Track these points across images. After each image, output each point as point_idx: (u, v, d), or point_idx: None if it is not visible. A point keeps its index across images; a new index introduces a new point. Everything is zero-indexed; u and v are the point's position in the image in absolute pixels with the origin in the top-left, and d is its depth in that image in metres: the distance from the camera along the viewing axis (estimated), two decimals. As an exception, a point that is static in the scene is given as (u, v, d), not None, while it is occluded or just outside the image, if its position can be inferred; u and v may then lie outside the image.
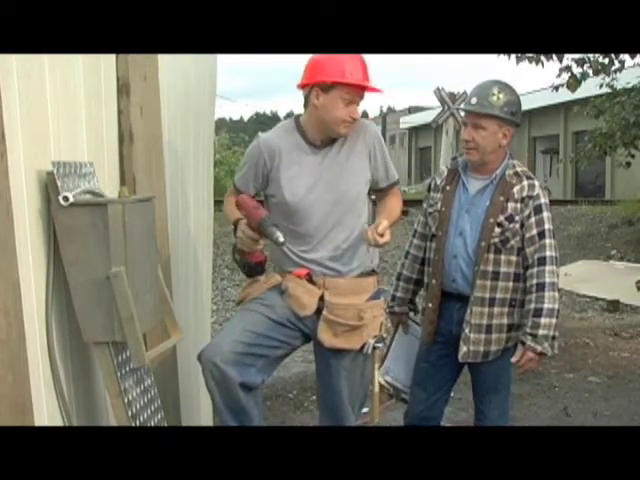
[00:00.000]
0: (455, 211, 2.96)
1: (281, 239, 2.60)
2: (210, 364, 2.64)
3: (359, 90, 2.72)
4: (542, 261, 2.86)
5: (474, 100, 2.90)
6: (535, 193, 2.90)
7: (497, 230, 2.87)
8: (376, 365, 2.90)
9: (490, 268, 2.89)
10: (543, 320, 2.82)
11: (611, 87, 11.64)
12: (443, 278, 2.97)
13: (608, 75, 10.00)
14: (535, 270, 2.86)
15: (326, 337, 2.75)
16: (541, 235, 2.88)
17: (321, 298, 2.77)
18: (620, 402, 4.86)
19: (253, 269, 2.81)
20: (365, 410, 3.09)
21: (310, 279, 2.77)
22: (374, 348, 2.79)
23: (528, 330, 2.84)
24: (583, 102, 12.92)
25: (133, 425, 2.36)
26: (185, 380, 3.15)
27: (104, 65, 2.56)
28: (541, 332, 2.82)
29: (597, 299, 8.17)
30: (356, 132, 2.80)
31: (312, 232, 2.77)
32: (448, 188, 3.00)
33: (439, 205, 3.00)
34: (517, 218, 2.88)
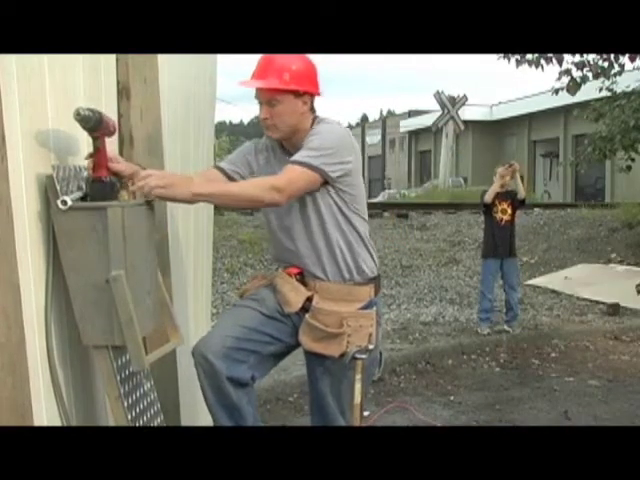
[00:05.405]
0: None
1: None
2: (200, 358, 2.65)
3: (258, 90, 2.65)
4: None
5: None
6: None
7: None
8: (358, 376, 2.68)
9: None
10: None
11: (611, 90, 11.65)
12: None
13: (608, 78, 10.03)
14: None
15: (306, 340, 2.73)
16: None
17: (310, 299, 2.74)
18: (620, 405, 4.84)
19: (95, 189, 2.30)
20: (366, 413, 3.08)
21: (302, 279, 2.74)
22: (355, 358, 2.66)
23: None
24: (583, 105, 12.93)
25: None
26: (185, 383, 3.14)
27: (104, 68, 2.56)
28: None
29: (597, 302, 8.15)
30: None
31: (285, 239, 2.74)
32: None
33: None
34: None
